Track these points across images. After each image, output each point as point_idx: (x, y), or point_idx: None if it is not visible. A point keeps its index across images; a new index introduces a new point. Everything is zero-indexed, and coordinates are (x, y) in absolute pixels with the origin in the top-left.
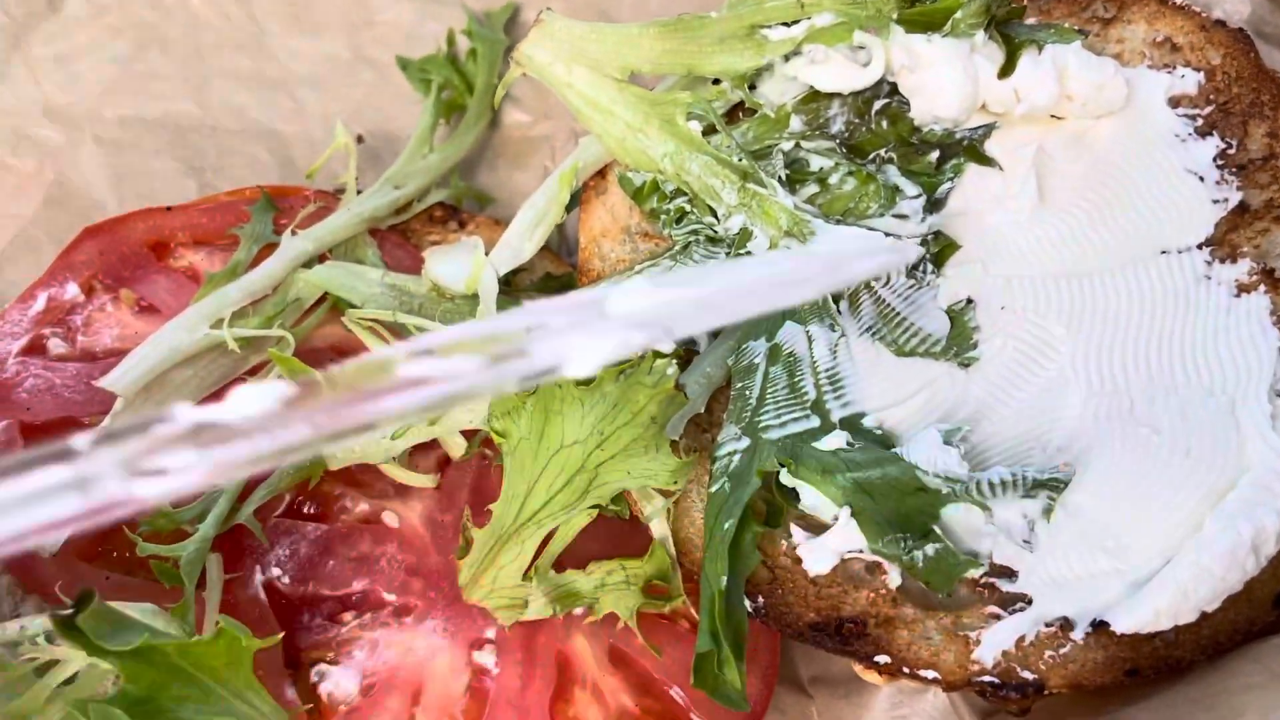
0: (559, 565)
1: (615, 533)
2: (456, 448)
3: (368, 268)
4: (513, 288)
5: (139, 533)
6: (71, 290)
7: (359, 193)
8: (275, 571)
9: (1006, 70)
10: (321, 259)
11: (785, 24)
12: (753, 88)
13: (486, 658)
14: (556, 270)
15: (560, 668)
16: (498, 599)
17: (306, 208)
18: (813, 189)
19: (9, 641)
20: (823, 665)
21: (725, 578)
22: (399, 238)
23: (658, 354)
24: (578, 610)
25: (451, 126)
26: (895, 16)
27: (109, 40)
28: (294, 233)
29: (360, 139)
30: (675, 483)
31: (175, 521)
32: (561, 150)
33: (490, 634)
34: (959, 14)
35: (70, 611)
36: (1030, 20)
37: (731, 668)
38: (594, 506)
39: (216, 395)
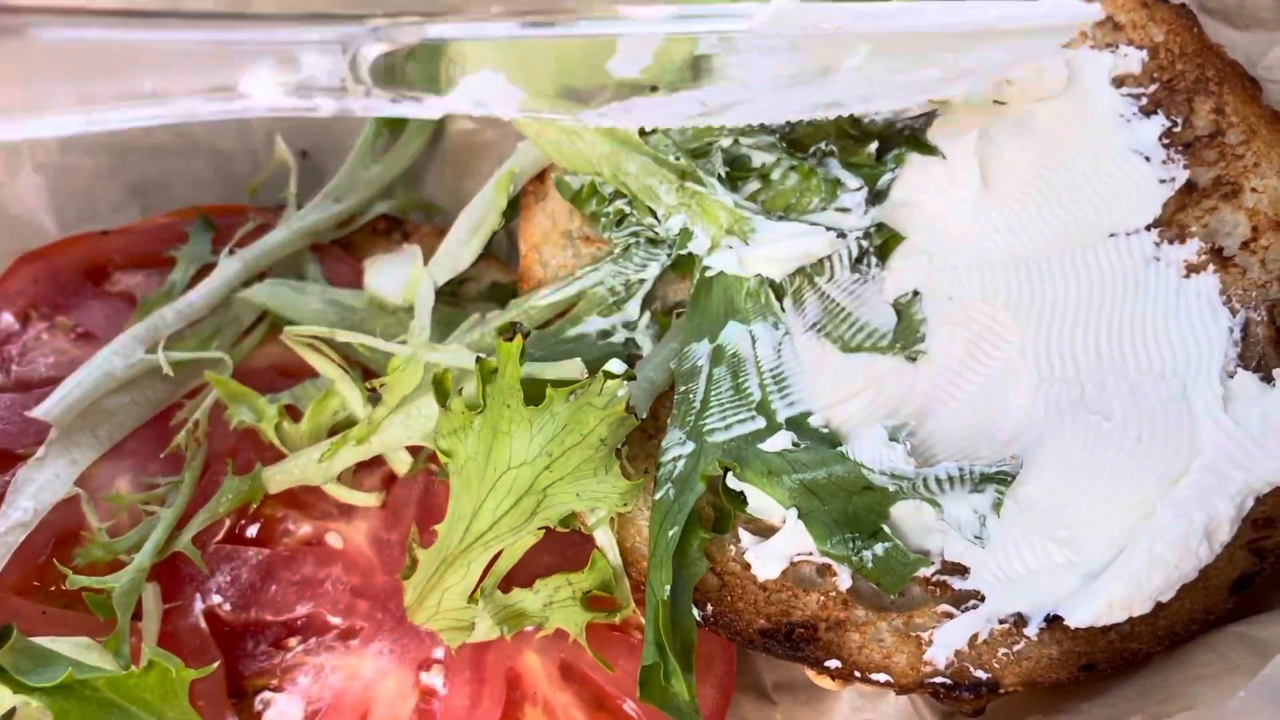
0: (506, 581)
1: (565, 544)
2: (401, 464)
3: (308, 284)
4: (459, 298)
5: (73, 565)
6: (6, 320)
7: (299, 208)
8: (216, 599)
9: None
10: (264, 276)
11: None
12: None
13: (435, 678)
14: (504, 278)
15: (510, 685)
16: (443, 621)
17: (245, 226)
18: (755, 185)
19: None
20: (786, 671)
21: (669, 586)
22: (341, 252)
23: (608, 374)
24: (528, 626)
25: (395, 138)
26: None
27: None
28: (231, 252)
29: (305, 154)
30: (625, 505)
31: (112, 552)
32: (509, 156)
33: (439, 654)
34: None
35: None
36: None
37: (679, 679)
38: (542, 528)
39: (155, 421)
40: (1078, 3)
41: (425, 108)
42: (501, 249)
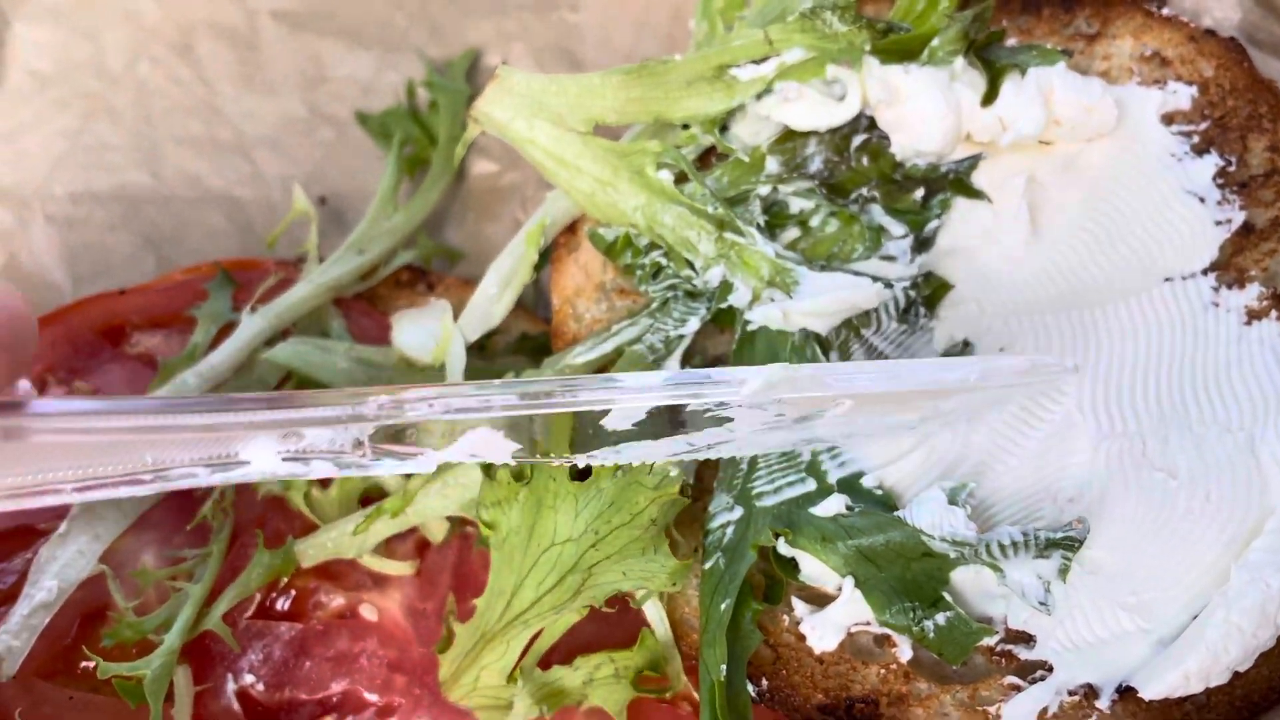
0: (546, 655)
1: (608, 613)
2: (437, 531)
3: (334, 342)
4: (486, 351)
5: (102, 645)
6: (23, 385)
7: (321, 260)
8: (249, 678)
9: (989, 98)
10: (286, 333)
11: (754, 62)
12: (725, 129)
13: None
14: (533, 329)
15: None
16: (480, 699)
17: (266, 281)
18: (794, 233)
19: None
20: None
21: (724, 665)
22: (366, 305)
23: None
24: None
25: (416, 182)
26: (868, 48)
27: (56, 114)
28: (253, 310)
29: (323, 200)
30: (674, 585)
31: (140, 631)
32: (533, 199)
33: None
34: (936, 41)
35: None
36: (1011, 42)
37: None
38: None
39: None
40: (1057, 360)
41: (424, 462)
42: (528, 298)
